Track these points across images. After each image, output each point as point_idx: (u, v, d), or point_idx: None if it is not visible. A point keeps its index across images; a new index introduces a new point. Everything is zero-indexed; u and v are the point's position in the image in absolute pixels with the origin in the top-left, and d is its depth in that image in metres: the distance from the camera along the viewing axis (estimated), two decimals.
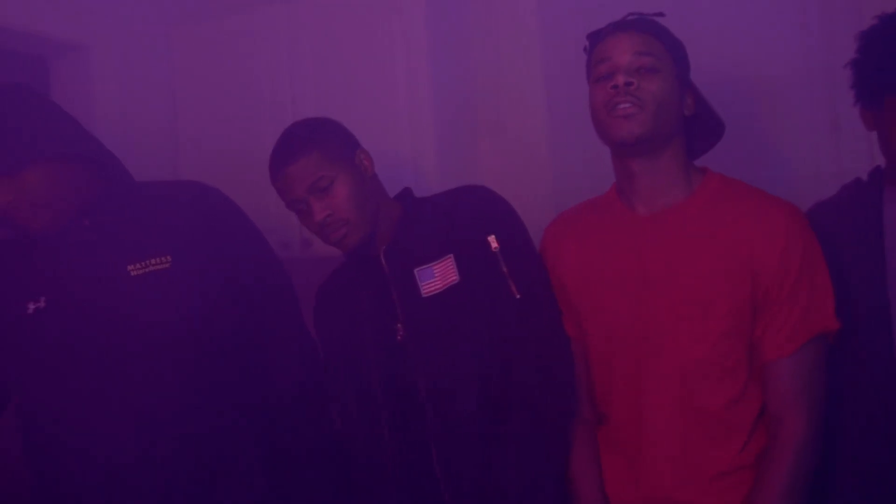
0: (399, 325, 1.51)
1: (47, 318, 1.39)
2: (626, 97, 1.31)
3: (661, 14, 1.39)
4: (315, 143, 1.50)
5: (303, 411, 1.56)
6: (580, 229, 1.52)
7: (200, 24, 2.63)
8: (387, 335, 1.52)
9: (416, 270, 1.51)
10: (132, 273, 1.41)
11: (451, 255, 1.49)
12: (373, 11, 2.28)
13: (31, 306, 1.40)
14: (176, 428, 1.40)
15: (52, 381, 1.40)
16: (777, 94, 1.94)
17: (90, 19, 2.44)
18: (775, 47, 1.94)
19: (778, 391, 1.30)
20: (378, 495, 1.53)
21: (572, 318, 1.50)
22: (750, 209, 1.34)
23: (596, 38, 1.41)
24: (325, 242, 1.54)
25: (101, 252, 1.42)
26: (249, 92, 2.49)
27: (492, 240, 1.48)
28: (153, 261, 1.42)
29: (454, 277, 1.49)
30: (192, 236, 1.47)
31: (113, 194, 1.46)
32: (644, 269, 1.38)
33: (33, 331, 1.39)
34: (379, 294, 1.55)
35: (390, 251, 1.55)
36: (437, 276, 1.49)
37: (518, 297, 1.46)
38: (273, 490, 1.50)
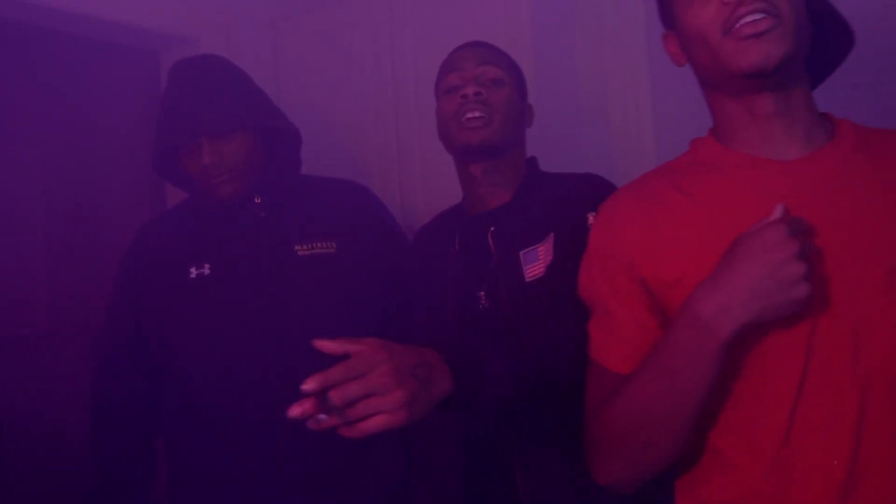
0: (482, 295, 1.38)
1: (210, 285, 1.45)
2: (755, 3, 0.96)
3: None
4: (506, 57, 1.48)
5: None
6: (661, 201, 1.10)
7: (304, 15, 2.67)
8: (469, 301, 1.39)
9: (521, 253, 1.38)
10: (299, 253, 1.47)
11: (552, 234, 1.37)
12: None
13: (194, 272, 1.46)
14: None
15: (206, 347, 1.45)
16: None
17: (199, 12, 2.51)
18: None
19: None
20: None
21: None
22: None
23: None
24: (455, 139, 1.42)
25: (269, 229, 1.48)
26: (352, 83, 2.51)
27: (591, 216, 1.33)
28: (319, 244, 1.48)
29: (551, 256, 1.36)
30: (354, 227, 1.53)
31: (283, 176, 1.53)
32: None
33: (194, 295, 1.45)
34: (470, 249, 1.43)
35: (500, 216, 1.42)
36: (541, 259, 1.38)
37: None
38: (409, 469, 1.53)
